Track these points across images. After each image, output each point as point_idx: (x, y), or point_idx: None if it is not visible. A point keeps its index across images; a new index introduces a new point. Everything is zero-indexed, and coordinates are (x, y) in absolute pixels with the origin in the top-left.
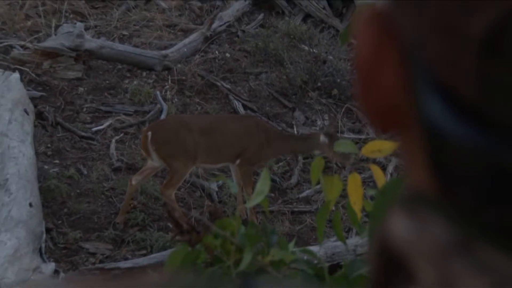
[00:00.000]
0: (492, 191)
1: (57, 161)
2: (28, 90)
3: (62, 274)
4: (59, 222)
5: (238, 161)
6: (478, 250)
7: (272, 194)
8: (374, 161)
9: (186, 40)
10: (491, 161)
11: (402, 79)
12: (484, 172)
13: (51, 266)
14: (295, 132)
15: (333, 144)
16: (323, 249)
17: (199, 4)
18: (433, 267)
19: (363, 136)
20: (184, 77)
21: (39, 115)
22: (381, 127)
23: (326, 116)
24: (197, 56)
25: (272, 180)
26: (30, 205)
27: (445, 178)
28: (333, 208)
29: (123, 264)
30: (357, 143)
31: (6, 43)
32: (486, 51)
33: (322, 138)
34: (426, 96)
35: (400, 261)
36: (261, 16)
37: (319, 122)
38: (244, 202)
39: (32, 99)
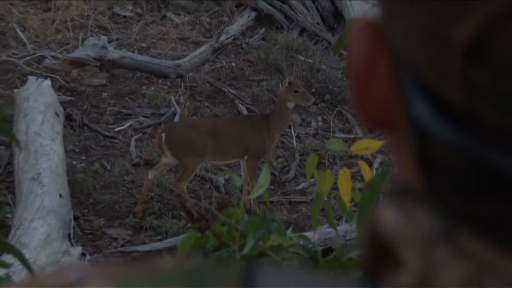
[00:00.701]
0: (473, 186)
1: (83, 157)
2: (58, 95)
3: (88, 257)
4: (86, 211)
5: (246, 157)
6: (459, 239)
7: (272, 187)
8: (362, 158)
9: (197, 51)
10: (472, 159)
11: (392, 83)
12: (466, 169)
13: (78, 249)
14: (292, 133)
15: (291, 88)
16: (317, 235)
17: (208, 19)
18: (418, 254)
19: (352, 136)
20: (195, 84)
21: (68, 117)
22: (373, 126)
23: (319, 118)
24: (206, 65)
25: (272, 174)
26: (60, 196)
27: (430, 174)
28: (326, 199)
29: (142, 248)
30: (346, 141)
31: (39, 54)
32: (470, 57)
33: (281, 88)
34: (414, 99)
35: (388, 248)
36: (262, 30)
37: (313, 124)
38: (248, 194)
39: (62, 103)
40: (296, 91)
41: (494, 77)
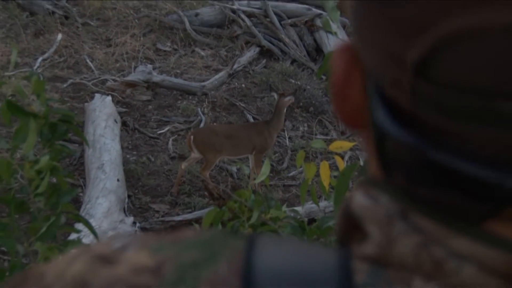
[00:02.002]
0: (420, 176)
1: (135, 152)
2: (116, 107)
3: (137, 224)
4: (136, 191)
5: (254, 152)
6: (412, 217)
7: (271, 174)
8: (337, 154)
9: (217, 76)
10: (418, 154)
11: (363, 92)
12: (414, 162)
13: (130, 219)
14: (286, 135)
15: (282, 97)
16: (304, 209)
17: (225, 53)
18: (380, 229)
19: (329, 137)
20: (215, 99)
21: (124, 123)
22: (348, 127)
23: (305, 125)
24: (223, 86)
25: (271, 165)
26: (118, 180)
27: (387, 166)
28: (310, 183)
29: (176, 218)
30: (325, 141)
31: (103, 78)
32: (417, 74)
33: (276, 96)
34: (375, 105)
35: (358, 224)
36: (264, 61)
37: (301, 128)
38: (254, 179)
39: (119, 113)
40: (282, 94)
41: (434, 90)
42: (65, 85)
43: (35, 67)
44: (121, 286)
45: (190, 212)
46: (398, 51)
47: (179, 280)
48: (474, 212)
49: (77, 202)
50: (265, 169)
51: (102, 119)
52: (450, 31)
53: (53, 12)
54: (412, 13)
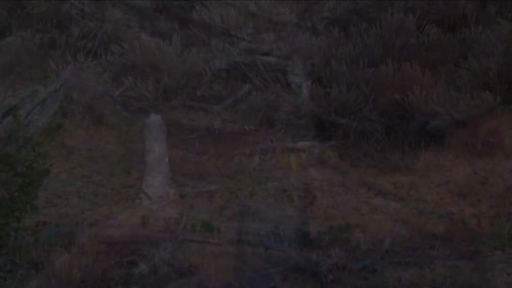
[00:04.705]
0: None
1: (174, 148)
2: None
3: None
4: None
5: None
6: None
7: None
8: (300, 150)
9: (226, 103)
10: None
11: None
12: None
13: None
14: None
15: None
16: None
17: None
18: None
19: (296, 140)
20: None
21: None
22: None
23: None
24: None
25: None
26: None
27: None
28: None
29: None
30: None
31: None
32: None
33: None
34: None
35: None
36: (254, 93)
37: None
38: None
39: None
40: None
41: None
42: None
43: None
44: None
45: None
46: None
47: None
48: None
49: None
50: None
51: (154, 127)
52: None
53: None
54: None
